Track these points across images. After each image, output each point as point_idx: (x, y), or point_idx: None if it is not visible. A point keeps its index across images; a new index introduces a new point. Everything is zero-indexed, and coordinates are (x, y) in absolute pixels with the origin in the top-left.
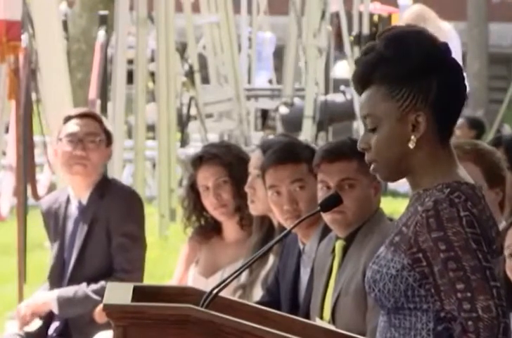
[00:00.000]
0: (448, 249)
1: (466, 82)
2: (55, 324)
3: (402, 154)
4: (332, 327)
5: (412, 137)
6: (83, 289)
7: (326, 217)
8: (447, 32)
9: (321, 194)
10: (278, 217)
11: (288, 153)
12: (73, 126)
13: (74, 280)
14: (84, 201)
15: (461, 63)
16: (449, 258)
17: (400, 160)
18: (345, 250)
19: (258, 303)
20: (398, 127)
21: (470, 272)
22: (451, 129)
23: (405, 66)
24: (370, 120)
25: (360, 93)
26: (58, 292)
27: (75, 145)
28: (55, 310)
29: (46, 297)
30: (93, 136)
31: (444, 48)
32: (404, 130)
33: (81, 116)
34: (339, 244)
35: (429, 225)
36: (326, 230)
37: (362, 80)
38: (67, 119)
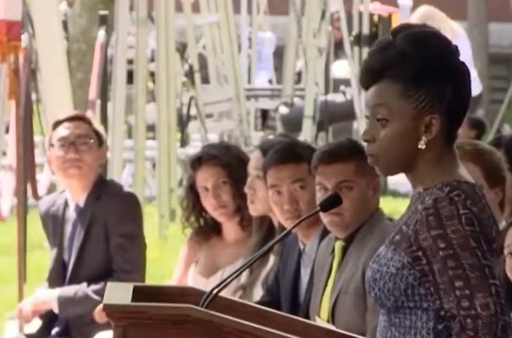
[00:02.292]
0: (447, 247)
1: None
2: (56, 325)
3: (409, 153)
4: (332, 327)
5: (424, 138)
6: (83, 289)
7: (325, 219)
8: (457, 31)
9: (319, 196)
10: (278, 217)
11: (289, 153)
12: (63, 130)
13: (73, 282)
14: (81, 204)
15: (471, 63)
16: (448, 256)
17: (405, 158)
18: (345, 250)
19: (258, 303)
20: (410, 126)
21: (469, 270)
22: (457, 132)
23: (425, 67)
24: (382, 110)
25: (367, 85)
26: (58, 291)
27: (67, 149)
28: (56, 310)
29: (47, 296)
30: (85, 138)
31: (456, 52)
32: (416, 130)
33: (69, 120)
34: (338, 245)
35: (428, 223)
36: (326, 231)
37: (375, 74)
38: (56, 124)
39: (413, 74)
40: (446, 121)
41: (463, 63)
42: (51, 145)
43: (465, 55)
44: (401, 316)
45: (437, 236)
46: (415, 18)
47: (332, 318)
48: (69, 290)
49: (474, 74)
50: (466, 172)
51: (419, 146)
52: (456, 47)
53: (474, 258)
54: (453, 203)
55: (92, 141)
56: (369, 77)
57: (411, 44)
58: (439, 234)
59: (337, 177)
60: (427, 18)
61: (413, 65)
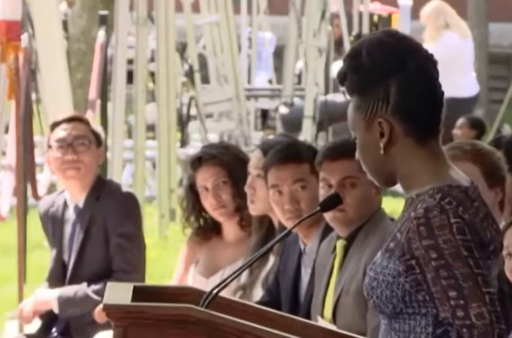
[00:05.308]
0: (439, 257)
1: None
2: (56, 325)
3: (379, 161)
4: (333, 327)
5: (380, 144)
6: (83, 289)
7: (327, 215)
8: (467, 31)
9: (323, 193)
10: (279, 217)
11: (290, 153)
12: (61, 131)
13: (73, 282)
14: (81, 204)
15: (472, 60)
16: (441, 266)
17: (379, 167)
18: (346, 249)
19: (258, 303)
20: (367, 136)
21: (461, 280)
22: (431, 131)
23: (361, 77)
24: (352, 131)
25: None
26: (58, 292)
27: (65, 150)
28: (56, 310)
29: (47, 296)
30: (82, 138)
31: (404, 52)
32: (373, 138)
33: (67, 121)
34: (340, 244)
35: (420, 233)
36: (327, 231)
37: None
38: (54, 125)
39: (352, 87)
40: (402, 121)
41: (414, 60)
42: (49, 146)
43: (470, 55)
44: (401, 321)
45: (429, 247)
46: (428, 11)
47: (333, 318)
48: (69, 290)
49: (472, 74)
50: (459, 172)
51: (380, 152)
52: (409, 47)
53: (466, 267)
54: (444, 212)
55: (90, 141)
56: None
57: (345, 60)
58: (430, 244)
59: (342, 173)
60: (439, 12)
61: (350, 79)
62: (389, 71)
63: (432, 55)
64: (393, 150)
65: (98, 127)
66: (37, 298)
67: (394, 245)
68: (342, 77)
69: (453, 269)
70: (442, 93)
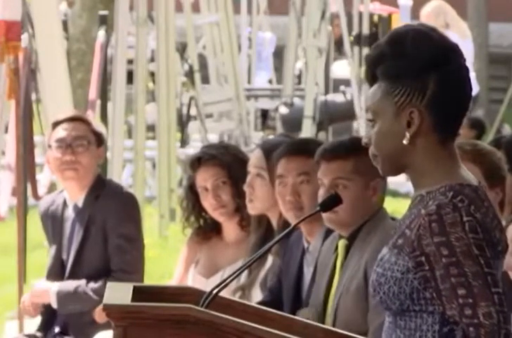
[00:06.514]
0: (450, 254)
1: (472, 84)
2: (55, 325)
3: (398, 150)
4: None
5: (406, 133)
6: (83, 286)
7: (324, 216)
8: (467, 32)
9: (320, 193)
10: (281, 210)
11: (301, 147)
12: (61, 131)
13: (72, 280)
14: (80, 204)
15: (472, 60)
16: (451, 263)
17: (396, 155)
18: (348, 249)
19: (260, 302)
20: (394, 123)
21: (471, 278)
22: (454, 131)
23: (402, 64)
24: (370, 112)
25: (371, 85)
26: (58, 287)
27: (64, 150)
28: (54, 305)
29: (44, 286)
30: (81, 139)
31: (448, 48)
32: (399, 126)
33: (68, 120)
34: (341, 243)
35: (432, 230)
36: (330, 230)
37: (369, 76)
38: (55, 125)
39: (391, 71)
40: (433, 116)
41: (454, 58)
42: (49, 146)
43: (470, 55)
44: (407, 319)
45: (440, 243)
46: (428, 11)
47: (333, 318)
48: (68, 286)
49: (472, 74)
50: (468, 172)
51: (404, 142)
52: (448, 44)
53: (477, 266)
54: (456, 210)
55: (89, 142)
56: (367, 80)
57: (389, 42)
58: (442, 241)
59: (334, 174)
60: (439, 12)
61: (390, 63)
62: (433, 63)
63: (466, 60)
64: (416, 142)
65: (99, 127)
66: (35, 289)
67: (402, 241)
68: (378, 60)
69: (463, 267)
70: (471, 97)
